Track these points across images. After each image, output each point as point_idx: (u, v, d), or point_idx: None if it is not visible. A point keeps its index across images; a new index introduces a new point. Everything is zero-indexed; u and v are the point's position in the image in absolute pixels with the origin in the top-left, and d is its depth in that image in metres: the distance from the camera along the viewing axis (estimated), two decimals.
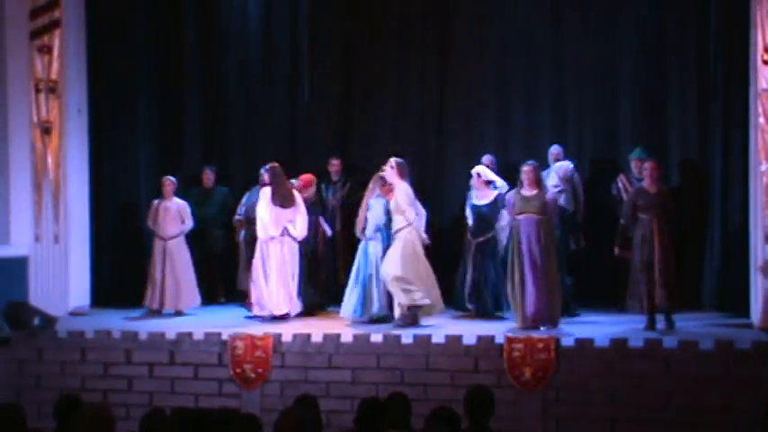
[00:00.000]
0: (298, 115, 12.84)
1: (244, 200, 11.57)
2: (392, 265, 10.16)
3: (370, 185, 10.73)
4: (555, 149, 11.64)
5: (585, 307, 11.07)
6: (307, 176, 11.45)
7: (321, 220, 11.60)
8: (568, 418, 9.05)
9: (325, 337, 9.54)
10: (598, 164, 11.97)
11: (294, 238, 10.85)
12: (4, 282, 10.76)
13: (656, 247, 9.97)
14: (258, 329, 9.96)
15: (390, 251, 10.27)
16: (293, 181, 11.17)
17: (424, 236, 10.56)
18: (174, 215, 11.49)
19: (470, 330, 9.68)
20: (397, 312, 10.31)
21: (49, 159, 11.47)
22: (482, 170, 11.17)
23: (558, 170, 11.42)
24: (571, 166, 11.49)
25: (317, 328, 9.91)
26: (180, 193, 11.75)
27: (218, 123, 12.89)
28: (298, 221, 10.88)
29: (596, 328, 10.03)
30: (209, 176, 12.37)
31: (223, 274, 12.29)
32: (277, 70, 12.87)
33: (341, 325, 10.32)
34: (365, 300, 10.59)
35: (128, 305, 11.55)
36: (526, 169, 10.25)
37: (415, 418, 5.92)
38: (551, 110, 12.25)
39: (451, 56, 12.50)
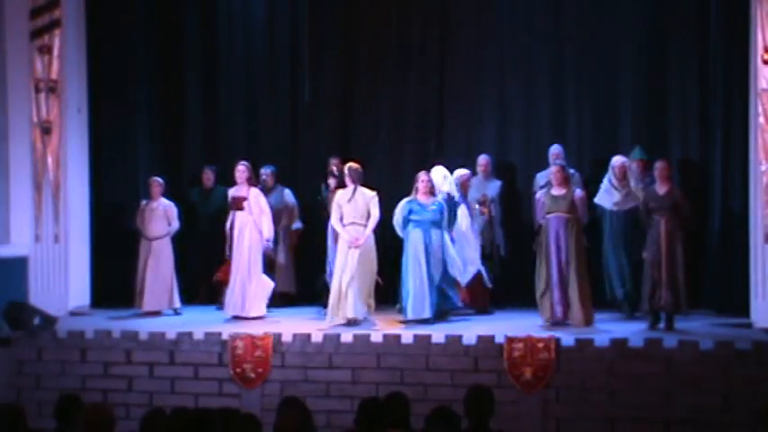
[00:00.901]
0: (298, 115, 12.84)
1: None
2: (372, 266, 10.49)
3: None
4: (555, 149, 11.63)
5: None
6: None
7: None
8: (568, 418, 9.05)
9: (325, 336, 9.54)
10: (598, 164, 11.95)
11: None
12: (3, 282, 10.76)
13: (664, 248, 9.97)
14: (258, 329, 9.96)
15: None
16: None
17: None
18: (160, 216, 11.48)
19: (471, 330, 9.69)
20: (363, 313, 10.44)
21: (49, 159, 11.47)
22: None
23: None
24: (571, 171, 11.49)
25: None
26: (180, 193, 11.74)
27: (218, 123, 12.89)
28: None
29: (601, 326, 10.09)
30: (209, 176, 12.35)
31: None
32: (277, 70, 12.87)
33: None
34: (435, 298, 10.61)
35: (128, 305, 11.54)
36: (555, 170, 10.47)
37: (414, 418, 5.91)
38: (551, 110, 12.24)
39: (451, 57, 12.49)
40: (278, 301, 11.75)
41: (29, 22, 11.42)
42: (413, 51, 12.61)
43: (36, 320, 10.30)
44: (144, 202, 11.56)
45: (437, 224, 10.63)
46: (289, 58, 12.83)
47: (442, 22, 12.52)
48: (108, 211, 12.39)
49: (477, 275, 11.14)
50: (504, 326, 10.16)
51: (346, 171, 10.73)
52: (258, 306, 11.07)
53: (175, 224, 11.58)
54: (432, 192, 10.73)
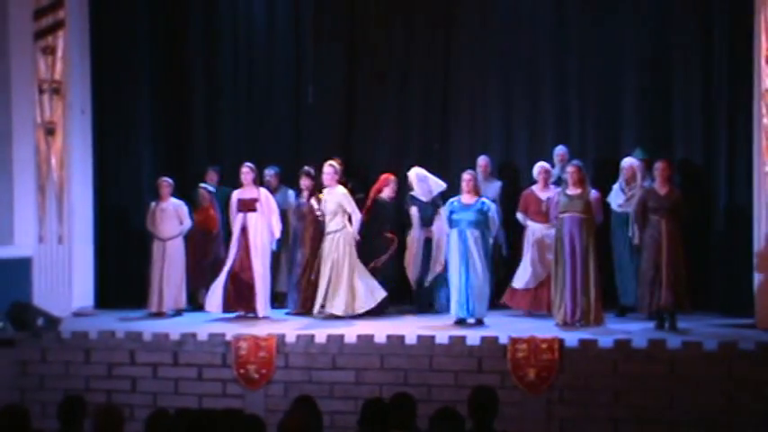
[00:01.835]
0: (301, 116, 12.85)
1: None
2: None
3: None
4: (560, 150, 11.64)
5: None
6: (384, 175, 11.64)
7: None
8: (572, 419, 9.04)
9: (329, 337, 9.54)
10: (602, 164, 11.94)
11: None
12: (7, 282, 10.76)
13: (665, 249, 9.96)
14: (262, 330, 9.97)
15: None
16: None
17: (357, 236, 11.15)
18: (171, 215, 11.50)
19: (474, 331, 9.69)
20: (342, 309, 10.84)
21: (53, 160, 11.48)
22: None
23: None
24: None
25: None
26: (184, 193, 11.75)
27: (221, 124, 12.90)
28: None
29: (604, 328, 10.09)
30: (212, 177, 12.35)
31: None
32: (281, 71, 12.88)
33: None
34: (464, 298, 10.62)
35: (132, 306, 11.57)
36: (571, 170, 10.42)
37: (418, 419, 5.91)
38: (554, 110, 12.25)
39: (455, 57, 12.51)
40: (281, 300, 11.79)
41: (32, 22, 11.42)
42: (417, 52, 12.62)
43: (40, 321, 10.31)
44: (153, 203, 11.57)
45: (475, 224, 10.53)
46: (292, 59, 12.84)
47: (446, 22, 12.52)
48: (112, 212, 12.41)
49: None
50: (507, 327, 10.17)
51: (333, 171, 11.00)
52: (266, 306, 11.11)
53: (187, 223, 11.59)
54: (476, 191, 10.68)
